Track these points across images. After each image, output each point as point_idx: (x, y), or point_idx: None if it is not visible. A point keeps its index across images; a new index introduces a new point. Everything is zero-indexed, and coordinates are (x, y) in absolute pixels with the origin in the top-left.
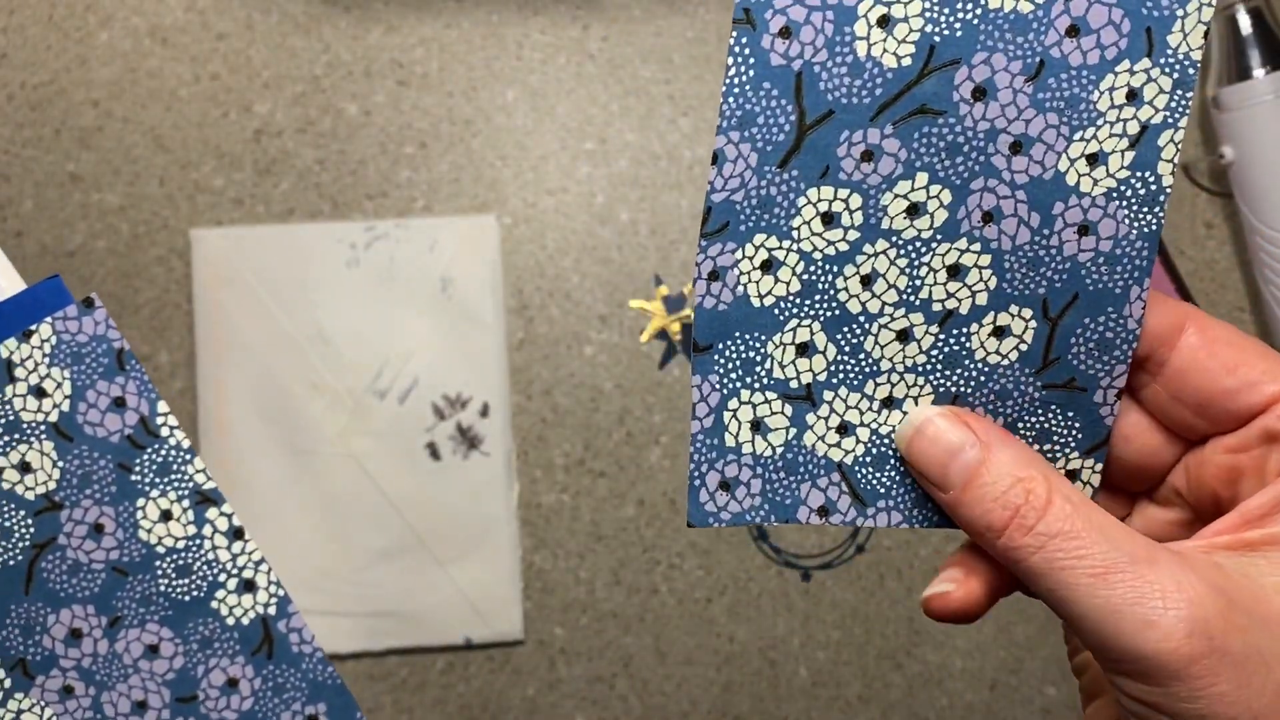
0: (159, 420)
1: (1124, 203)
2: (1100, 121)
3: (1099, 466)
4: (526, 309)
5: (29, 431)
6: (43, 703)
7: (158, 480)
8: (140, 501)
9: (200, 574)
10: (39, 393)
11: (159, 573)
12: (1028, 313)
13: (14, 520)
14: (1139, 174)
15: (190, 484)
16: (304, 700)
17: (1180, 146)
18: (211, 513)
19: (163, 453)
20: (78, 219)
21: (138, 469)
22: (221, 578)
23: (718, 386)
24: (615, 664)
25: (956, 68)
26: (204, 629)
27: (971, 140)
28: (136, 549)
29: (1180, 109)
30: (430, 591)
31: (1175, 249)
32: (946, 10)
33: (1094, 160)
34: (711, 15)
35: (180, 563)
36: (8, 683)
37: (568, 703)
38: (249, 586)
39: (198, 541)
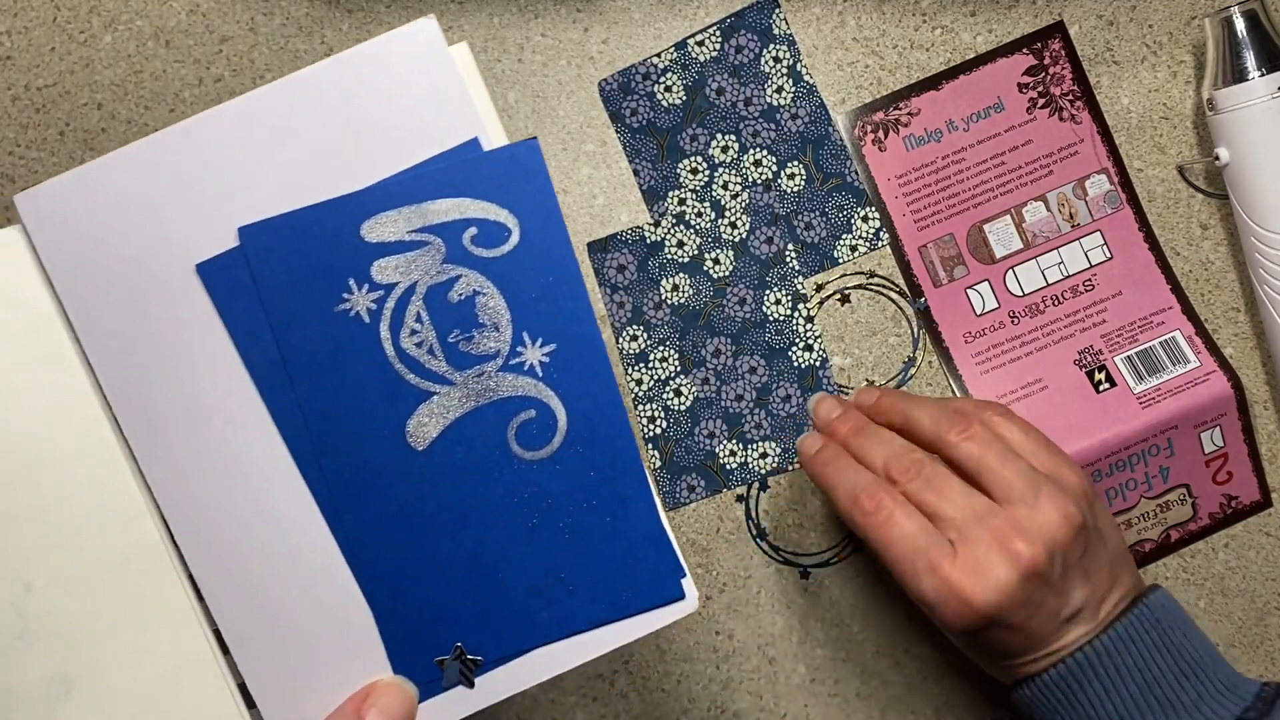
0: (788, 254)
1: None
2: None
3: None
4: None
5: (724, 242)
6: (692, 384)
7: (777, 284)
8: (767, 292)
9: (785, 336)
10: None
11: (767, 330)
12: None
13: (704, 289)
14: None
15: (792, 288)
16: None
17: None
18: (800, 306)
19: (783, 270)
20: None
21: (769, 276)
22: (796, 340)
23: None
24: (615, 661)
25: None
26: (781, 365)
27: None
28: (759, 315)
29: None
30: None
31: (1171, 250)
32: None
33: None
34: (712, 17)
35: (777, 328)
36: (679, 369)
37: (568, 699)
38: (809, 349)
39: (789, 319)
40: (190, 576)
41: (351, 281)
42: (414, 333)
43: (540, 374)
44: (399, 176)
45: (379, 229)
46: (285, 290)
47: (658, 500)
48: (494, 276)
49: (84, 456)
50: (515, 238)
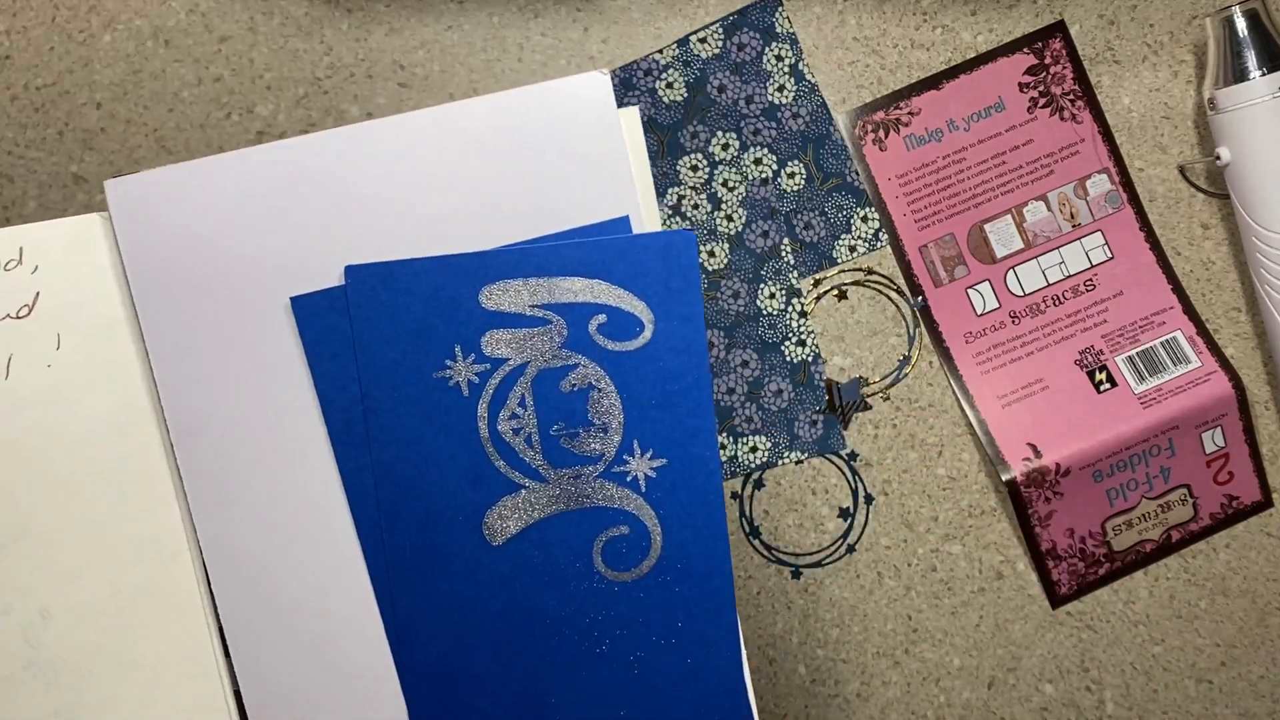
0: (783, 249)
1: None
2: None
3: None
4: None
5: (719, 235)
6: None
7: (771, 278)
8: (760, 285)
9: (779, 330)
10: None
11: (760, 324)
12: None
13: (703, 281)
14: None
15: (787, 283)
16: (813, 411)
17: None
18: (794, 301)
19: (778, 265)
20: None
21: (764, 270)
22: (789, 335)
23: None
24: None
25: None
26: (773, 359)
27: None
28: (753, 309)
29: None
30: None
31: (1171, 250)
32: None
33: None
34: (711, 16)
35: (770, 323)
36: None
37: None
38: (802, 343)
39: (783, 313)
40: (219, 626)
41: (458, 348)
42: (514, 417)
43: (643, 489)
44: (534, 243)
45: (500, 297)
46: (383, 343)
47: (744, 652)
48: (614, 372)
49: (129, 478)
50: (647, 334)
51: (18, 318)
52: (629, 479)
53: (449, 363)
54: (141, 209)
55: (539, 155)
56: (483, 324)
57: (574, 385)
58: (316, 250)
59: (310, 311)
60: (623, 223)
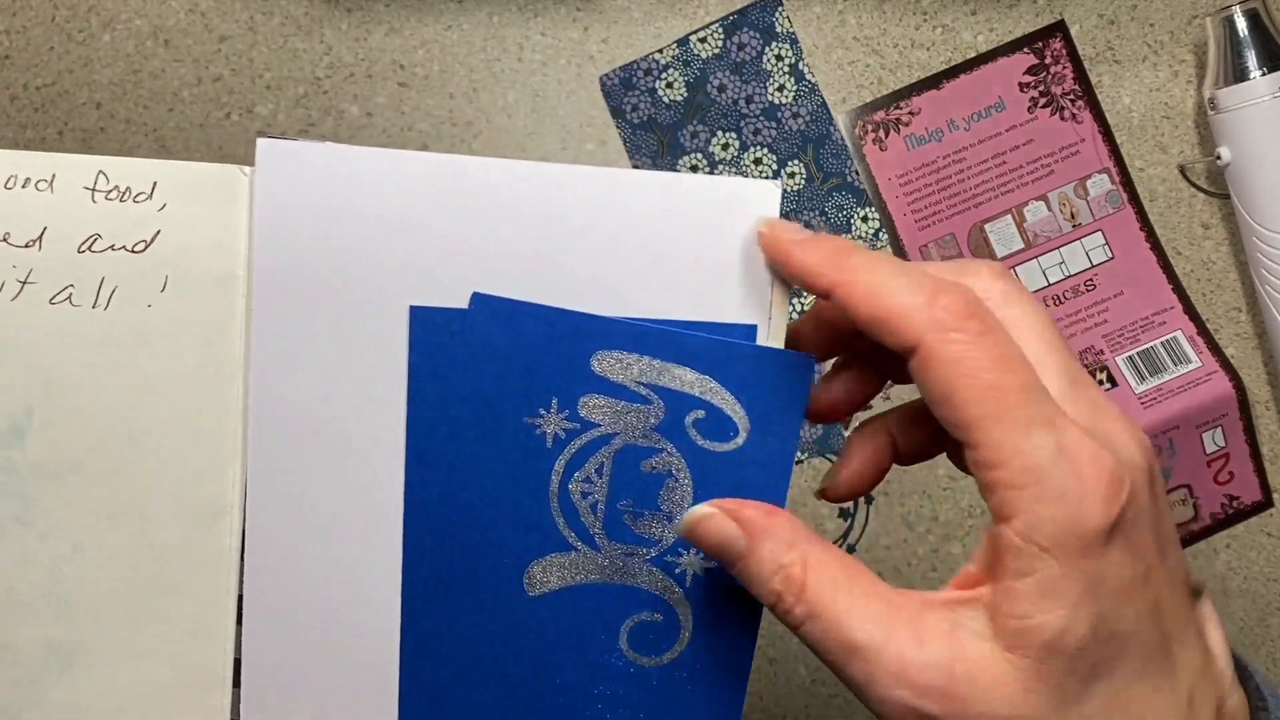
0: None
1: None
2: None
3: None
4: None
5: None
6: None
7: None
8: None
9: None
10: None
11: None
12: None
13: None
14: None
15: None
16: None
17: None
18: (794, 301)
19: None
20: None
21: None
22: None
23: None
24: None
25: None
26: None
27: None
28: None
29: None
30: None
31: (1172, 250)
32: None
33: None
34: (711, 16)
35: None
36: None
37: None
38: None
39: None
40: (240, 595)
41: (554, 401)
42: (588, 480)
43: (687, 584)
44: (659, 324)
45: (610, 365)
46: (486, 375)
47: None
48: (696, 468)
49: (196, 435)
50: (739, 441)
51: (132, 251)
52: (677, 571)
53: (542, 412)
54: (287, 175)
55: (688, 242)
56: (586, 385)
57: (654, 468)
58: (444, 267)
59: (426, 324)
60: (750, 330)
